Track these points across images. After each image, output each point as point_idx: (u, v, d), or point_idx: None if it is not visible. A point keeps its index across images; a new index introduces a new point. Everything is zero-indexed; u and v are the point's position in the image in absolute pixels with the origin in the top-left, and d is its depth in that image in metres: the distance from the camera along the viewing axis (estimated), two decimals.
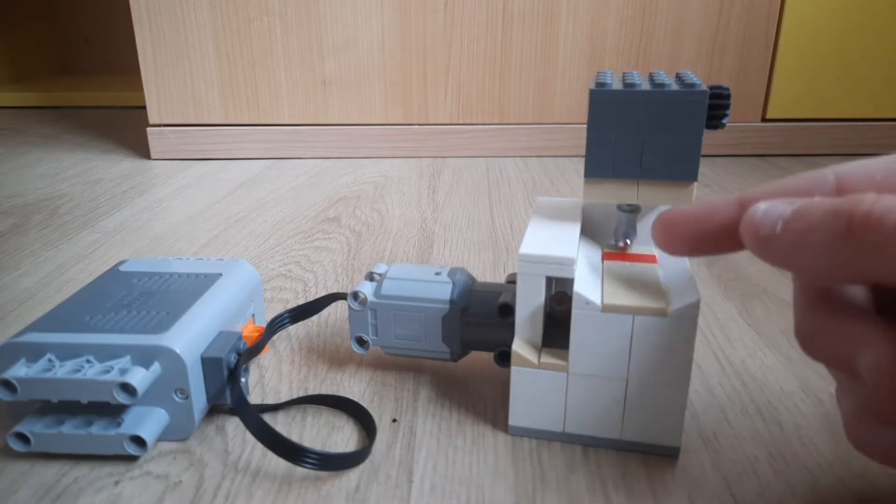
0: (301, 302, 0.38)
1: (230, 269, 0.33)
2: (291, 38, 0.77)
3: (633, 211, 0.28)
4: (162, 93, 0.78)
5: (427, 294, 0.30)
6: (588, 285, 0.25)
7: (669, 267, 0.27)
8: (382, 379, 0.32)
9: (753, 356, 0.34)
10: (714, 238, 0.21)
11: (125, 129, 1.00)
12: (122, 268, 0.33)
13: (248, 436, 0.28)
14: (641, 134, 0.25)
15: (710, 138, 0.79)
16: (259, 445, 0.27)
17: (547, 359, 0.26)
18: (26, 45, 1.44)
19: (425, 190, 0.66)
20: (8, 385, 0.25)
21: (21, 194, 0.66)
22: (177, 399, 0.27)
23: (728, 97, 0.24)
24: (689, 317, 0.24)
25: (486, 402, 0.30)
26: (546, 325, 0.27)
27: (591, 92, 0.25)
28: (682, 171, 0.25)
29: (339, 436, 0.28)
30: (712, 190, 0.66)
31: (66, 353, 0.26)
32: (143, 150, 0.84)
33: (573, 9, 0.77)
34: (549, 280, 0.26)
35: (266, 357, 0.34)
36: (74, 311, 0.29)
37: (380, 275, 0.32)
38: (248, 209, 0.60)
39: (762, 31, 0.77)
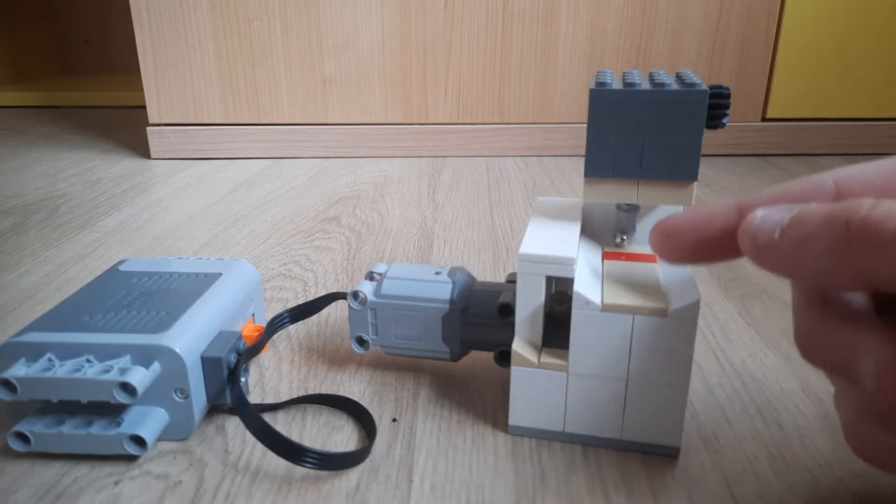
0: (301, 301, 0.38)
1: (230, 268, 0.33)
2: (291, 38, 0.77)
3: (632, 210, 0.28)
4: (162, 92, 0.78)
5: (427, 294, 0.30)
6: (588, 285, 0.25)
7: (669, 267, 0.27)
8: (382, 379, 0.32)
9: (753, 356, 0.34)
10: (713, 246, 0.21)
11: (125, 128, 1.00)
12: (122, 267, 0.33)
13: (248, 436, 0.28)
14: (641, 134, 0.25)
15: (710, 138, 0.79)
16: (259, 445, 0.27)
17: (547, 359, 0.26)
18: (26, 45, 1.44)
19: (425, 190, 0.66)
20: (8, 385, 0.25)
21: (21, 194, 0.66)
22: (177, 399, 0.27)
23: (728, 97, 0.24)
24: (689, 317, 0.24)
25: (486, 402, 0.30)
26: (546, 325, 0.27)
27: (591, 91, 0.25)
28: (682, 170, 0.25)
29: (339, 436, 0.28)
30: (712, 190, 0.66)
31: (66, 352, 0.26)
32: (143, 150, 0.84)
33: (573, 9, 0.77)
34: (549, 280, 0.26)
35: (266, 357, 0.34)
36: (74, 311, 0.29)
37: (380, 274, 0.32)
38: (248, 209, 0.60)
39: (762, 31, 0.77)
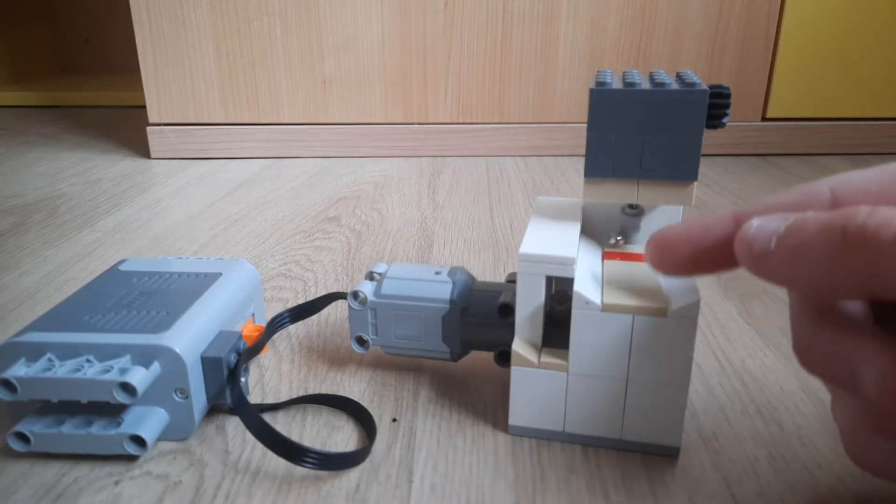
0: (301, 301, 0.38)
1: (230, 268, 0.33)
2: (291, 38, 0.77)
3: (637, 214, 0.28)
4: (162, 92, 0.78)
5: (427, 293, 0.30)
6: (588, 285, 0.25)
7: None
8: (382, 379, 0.32)
9: (753, 356, 0.34)
10: (710, 257, 0.21)
11: (125, 128, 1.00)
12: (122, 267, 0.33)
13: (248, 436, 0.28)
14: (641, 133, 0.25)
15: (710, 138, 0.79)
16: (259, 445, 0.27)
17: (547, 358, 0.26)
18: (26, 45, 1.44)
19: (425, 189, 0.66)
20: (8, 385, 0.25)
21: (21, 194, 0.66)
22: (177, 399, 0.27)
23: (728, 96, 0.24)
24: (689, 317, 0.24)
25: (486, 402, 0.30)
26: (546, 325, 0.27)
27: (591, 91, 0.25)
28: (682, 170, 0.25)
29: (339, 435, 0.28)
30: (712, 190, 0.66)
31: (66, 352, 0.26)
32: (142, 150, 0.84)
33: (573, 9, 0.77)
34: (549, 280, 0.26)
35: (266, 357, 0.34)
36: (74, 311, 0.29)
37: (380, 274, 0.32)
38: (248, 208, 0.60)
39: (762, 31, 0.77)
